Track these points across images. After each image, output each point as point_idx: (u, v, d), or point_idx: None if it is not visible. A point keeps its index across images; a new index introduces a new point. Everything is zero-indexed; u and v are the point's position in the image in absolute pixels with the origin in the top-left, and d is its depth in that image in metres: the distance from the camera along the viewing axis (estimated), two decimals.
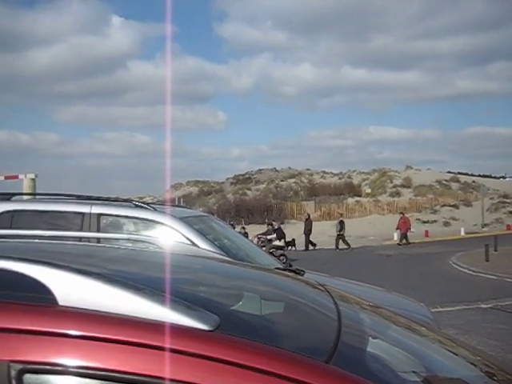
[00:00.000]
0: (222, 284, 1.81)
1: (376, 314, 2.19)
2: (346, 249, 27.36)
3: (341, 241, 28.16)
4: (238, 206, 43.76)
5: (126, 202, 4.61)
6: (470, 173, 76.00)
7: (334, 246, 28.28)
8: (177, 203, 39.71)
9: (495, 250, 20.90)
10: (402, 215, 31.32)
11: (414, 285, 14.63)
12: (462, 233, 33.20)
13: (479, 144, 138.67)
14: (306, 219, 30.47)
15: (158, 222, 4.29)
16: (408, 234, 29.61)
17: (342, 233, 28.28)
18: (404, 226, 29.66)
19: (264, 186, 63.47)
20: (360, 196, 53.46)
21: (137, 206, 4.52)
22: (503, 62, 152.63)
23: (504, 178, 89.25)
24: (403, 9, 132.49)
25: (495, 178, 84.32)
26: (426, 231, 33.69)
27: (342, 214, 32.72)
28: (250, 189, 62.48)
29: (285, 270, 5.05)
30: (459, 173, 68.68)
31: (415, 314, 4.25)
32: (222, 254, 4.20)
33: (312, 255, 25.10)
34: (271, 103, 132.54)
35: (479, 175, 79.11)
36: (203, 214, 5.61)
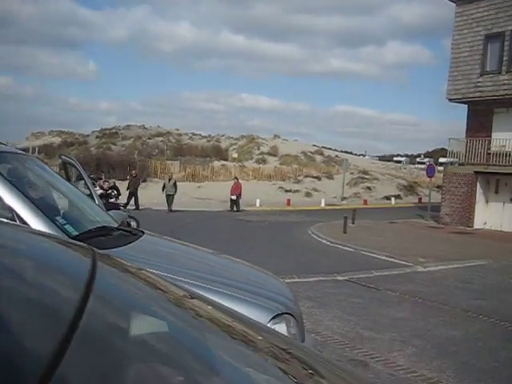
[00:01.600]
0: None
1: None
2: (170, 211, 25.62)
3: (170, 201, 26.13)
4: (99, 160, 41.45)
5: None
6: (333, 148, 79.00)
7: (196, 208, 27.44)
8: (31, 152, 36.91)
9: (353, 223, 21.31)
10: (235, 180, 30.00)
11: (273, 253, 14.27)
12: (323, 204, 33.90)
13: (344, 122, 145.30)
14: (134, 176, 27.43)
15: None
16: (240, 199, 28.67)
17: (174, 193, 26.25)
18: (236, 192, 28.54)
19: (130, 142, 61.47)
20: (226, 160, 53.14)
21: None
22: (372, 46, 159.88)
23: (364, 155, 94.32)
24: None
25: (356, 155, 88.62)
26: (288, 200, 33.99)
27: (172, 174, 29.71)
28: (115, 144, 60.24)
29: (118, 229, 4.09)
30: (323, 147, 70.80)
31: (275, 295, 3.50)
32: (27, 204, 3.13)
33: (163, 217, 24.15)
34: (146, 59, 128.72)
35: (341, 151, 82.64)
36: (23, 152, 4.43)
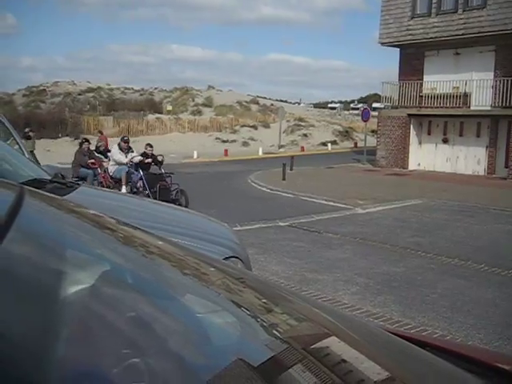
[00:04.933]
0: None
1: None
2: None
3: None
4: (27, 119, 39.83)
5: None
6: (268, 97, 78.93)
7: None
8: None
9: (291, 170, 21.47)
10: (99, 134, 27.06)
11: (214, 203, 14.20)
12: (260, 153, 33.93)
13: (278, 71, 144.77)
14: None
15: None
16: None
17: (33, 150, 20.64)
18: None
19: (60, 99, 59.35)
20: (161, 113, 52.16)
21: None
22: None
23: (299, 103, 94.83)
24: None
25: (291, 103, 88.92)
26: (226, 150, 33.82)
27: (31, 129, 24.70)
28: (44, 102, 57.97)
29: (52, 182, 3.89)
30: (258, 96, 70.57)
31: (220, 239, 3.43)
32: None
33: None
34: (69, 10, 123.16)
35: (277, 100, 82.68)
36: None
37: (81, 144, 14.58)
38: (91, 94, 61.98)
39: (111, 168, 13.41)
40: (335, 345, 1.09)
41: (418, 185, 18.48)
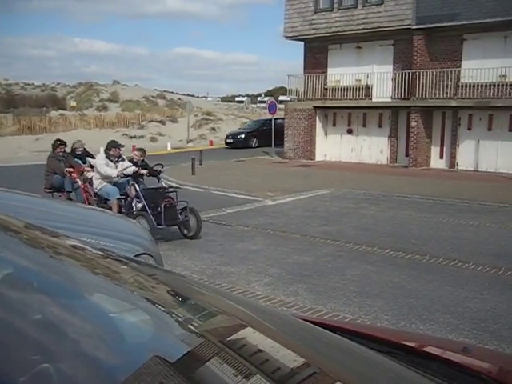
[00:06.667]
0: None
1: None
2: None
3: None
4: None
5: None
6: (175, 91, 78.44)
7: (37, 162, 25.82)
8: None
9: (200, 164, 21.43)
10: None
11: None
12: (169, 148, 33.60)
13: (185, 65, 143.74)
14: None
15: None
16: None
17: None
18: None
19: None
20: (65, 109, 50.50)
21: None
22: None
23: (206, 97, 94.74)
24: None
25: (198, 97, 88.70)
26: (134, 146, 33.19)
27: None
28: None
29: None
30: (165, 91, 69.96)
31: (130, 236, 3.37)
32: None
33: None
34: None
35: (184, 94, 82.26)
36: None
37: (54, 147, 11.50)
38: None
39: (96, 182, 10.23)
40: (251, 335, 1.10)
41: (325, 175, 18.97)
